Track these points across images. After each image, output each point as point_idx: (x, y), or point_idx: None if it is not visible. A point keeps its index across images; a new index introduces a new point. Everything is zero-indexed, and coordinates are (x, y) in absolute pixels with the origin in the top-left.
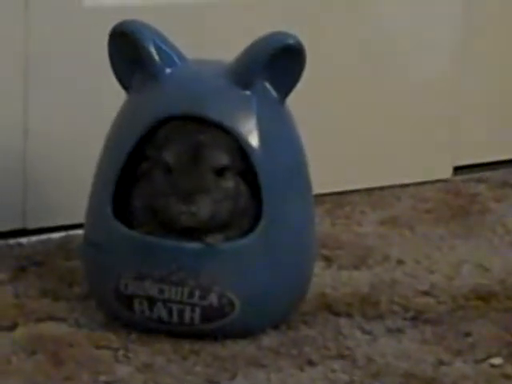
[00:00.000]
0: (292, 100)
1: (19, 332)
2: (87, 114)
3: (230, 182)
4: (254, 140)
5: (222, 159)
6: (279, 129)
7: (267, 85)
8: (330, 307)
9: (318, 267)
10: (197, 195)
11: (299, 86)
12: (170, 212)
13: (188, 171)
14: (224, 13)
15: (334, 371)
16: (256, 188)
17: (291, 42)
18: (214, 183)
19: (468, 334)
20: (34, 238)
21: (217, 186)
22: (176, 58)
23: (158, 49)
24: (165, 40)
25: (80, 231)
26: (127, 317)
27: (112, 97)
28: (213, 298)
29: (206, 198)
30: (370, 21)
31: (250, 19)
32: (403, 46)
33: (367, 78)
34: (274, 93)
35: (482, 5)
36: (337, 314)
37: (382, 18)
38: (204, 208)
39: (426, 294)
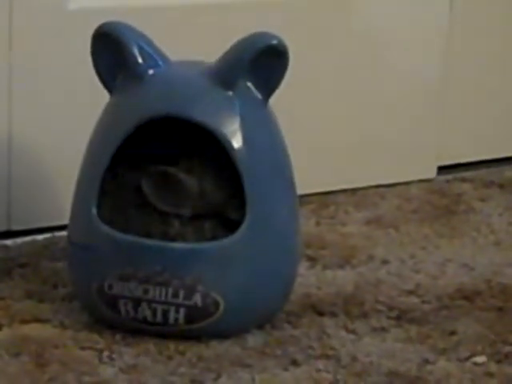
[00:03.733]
0: (276, 100)
1: (3, 333)
2: (72, 115)
3: (220, 176)
4: (236, 141)
5: (212, 157)
6: (262, 129)
7: (250, 85)
8: (314, 307)
9: (303, 267)
10: (190, 195)
11: (283, 86)
12: (159, 213)
13: (180, 171)
14: (209, 14)
15: (318, 371)
16: (239, 188)
17: (274, 42)
18: (206, 181)
19: (452, 333)
20: (18, 240)
21: (208, 182)
22: (159, 60)
23: (141, 50)
24: (148, 41)
25: (65, 233)
26: (112, 318)
27: (96, 98)
28: (197, 298)
29: (194, 196)
30: (357, 22)
31: (236, 20)
32: (389, 48)
33: (352, 79)
34: (257, 93)
35: (468, 7)
36: (321, 314)
37: (368, 19)
38: (200, 206)
39: (410, 293)
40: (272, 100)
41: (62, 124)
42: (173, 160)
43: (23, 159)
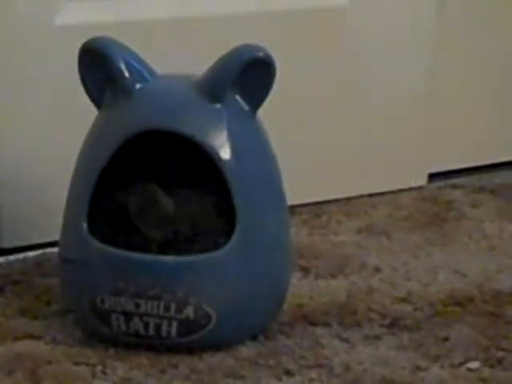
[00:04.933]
0: (265, 111)
1: None
2: (61, 131)
3: (209, 189)
4: (225, 153)
5: (201, 170)
6: (251, 141)
7: (238, 98)
8: (307, 317)
9: (296, 277)
10: (180, 207)
11: (272, 97)
12: (152, 226)
13: (169, 184)
14: (196, 27)
15: (311, 380)
16: (229, 200)
17: (260, 54)
18: (195, 194)
19: (445, 339)
20: (10, 258)
21: (197, 195)
22: (146, 74)
23: (128, 65)
24: (135, 56)
25: (56, 249)
26: (104, 332)
27: (85, 114)
28: (189, 311)
29: (190, 209)
30: (345, 33)
31: (224, 33)
32: (378, 58)
33: (341, 89)
34: (244, 105)
35: (455, 16)
36: (314, 324)
37: (356, 31)
38: (190, 219)
39: (403, 300)
40: (261, 111)
41: (51, 140)
42: (161, 174)
43: (12, 176)
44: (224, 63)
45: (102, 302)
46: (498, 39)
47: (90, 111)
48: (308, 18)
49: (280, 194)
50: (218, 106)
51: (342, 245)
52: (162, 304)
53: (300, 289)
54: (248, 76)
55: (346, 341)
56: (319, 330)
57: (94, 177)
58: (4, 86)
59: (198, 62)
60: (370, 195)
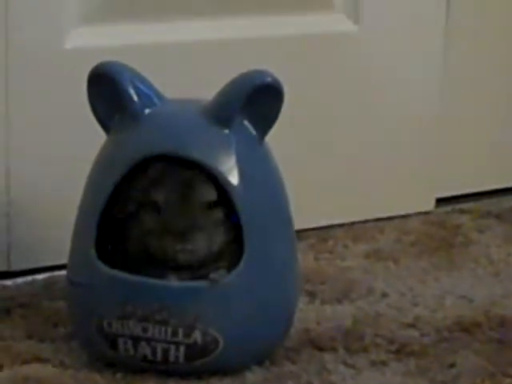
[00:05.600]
0: (273, 136)
1: (4, 374)
2: (70, 155)
3: (218, 215)
4: (233, 178)
5: (209, 193)
6: (259, 166)
7: (246, 123)
8: (313, 342)
9: (302, 302)
10: (190, 231)
11: (280, 122)
12: (165, 251)
13: (178, 209)
14: (205, 52)
15: None
16: (237, 225)
17: (269, 80)
18: (203, 217)
19: (452, 366)
20: (18, 280)
21: (207, 220)
22: (155, 98)
23: (137, 89)
24: (143, 80)
25: (64, 272)
26: (112, 356)
27: (94, 138)
28: (197, 336)
29: (197, 231)
30: (354, 59)
31: (232, 58)
32: (387, 84)
33: (348, 114)
34: (252, 131)
35: (464, 42)
36: (321, 349)
37: (365, 56)
38: (199, 243)
39: (409, 326)
40: (268, 136)
41: (60, 163)
42: (168, 199)
43: (22, 199)
44: (232, 88)
45: (110, 325)
46: (506, 66)
47: (100, 135)
48: (317, 43)
49: (288, 219)
50: (227, 131)
51: (348, 269)
52: (169, 329)
53: (306, 314)
54: (256, 101)
55: (353, 366)
56: (326, 356)
57: (101, 201)
58: (14, 110)
59: (206, 87)
60: (377, 219)
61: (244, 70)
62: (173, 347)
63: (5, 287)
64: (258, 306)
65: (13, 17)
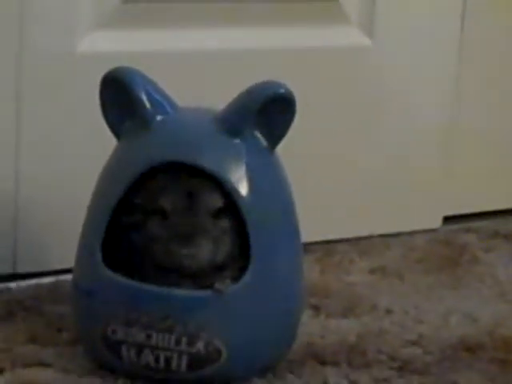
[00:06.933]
0: (282, 148)
1: (6, 377)
2: (79, 160)
3: (226, 224)
4: (242, 188)
5: (217, 202)
6: (268, 177)
7: (257, 133)
8: (316, 356)
9: (306, 315)
10: (196, 237)
11: (290, 133)
12: (171, 257)
13: (185, 216)
14: (218, 60)
15: None
16: (244, 236)
17: (282, 91)
18: (211, 225)
19: None
20: (23, 283)
21: (214, 228)
22: (167, 106)
23: (149, 96)
24: (156, 87)
25: (70, 276)
26: (115, 363)
27: (104, 143)
28: (200, 346)
29: (205, 240)
30: (367, 73)
31: (246, 69)
32: (398, 98)
33: (357, 129)
34: (263, 141)
35: (478, 55)
36: (324, 363)
37: (378, 70)
38: (204, 250)
39: (413, 343)
40: (279, 148)
41: (70, 167)
42: (177, 207)
43: (29, 202)
44: (245, 99)
45: (114, 332)
46: None
47: (111, 141)
48: (331, 56)
49: (295, 231)
50: (237, 140)
51: (353, 285)
52: (173, 337)
53: (310, 327)
54: (269, 112)
55: (355, 382)
56: (328, 370)
57: (109, 208)
58: (25, 114)
59: (219, 96)
60: (384, 236)
61: (256, 81)
62: (175, 356)
63: (9, 290)
64: (263, 318)
65: (27, 20)
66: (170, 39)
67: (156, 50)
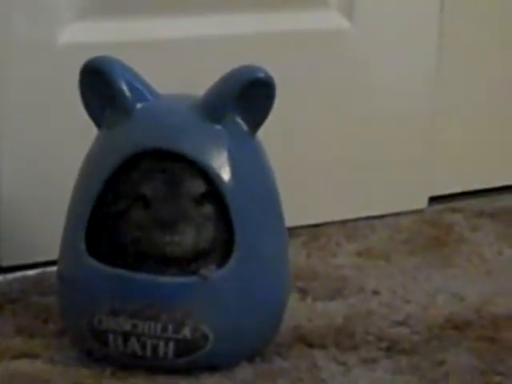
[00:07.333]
0: (264, 132)
1: None
2: (61, 150)
3: (209, 209)
4: (224, 173)
5: (199, 188)
6: (250, 162)
7: (238, 118)
8: (304, 339)
9: (293, 299)
10: (179, 224)
11: (271, 118)
12: (153, 244)
13: (167, 202)
14: (197, 48)
15: None
16: (228, 221)
17: (261, 75)
18: (194, 211)
19: (442, 363)
20: (9, 276)
21: (197, 214)
22: (147, 94)
23: (129, 84)
24: (136, 76)
25: (55, 268)
26: (102, 352)
27: (86, 133)
28: (186, 332)
29: (188, 226)
30: (346, 56)
31: (224, 54)
32: (379, 80)
33: (341, 111)
34: (244, 126)
35: (456, 40)
36: (311, 346)
37: (357, 53)
38: (187, 236)
39: (401, 324)
40: (260, 132)
41: (51, 158)
42: (159, 194)
43: (12, 195)
44: (224, 84)
45: (100, 322)
46: (501, 64)
47: (92, 130)
48: (310, 40)
49: (279, 215)
50: (218, 126)
51: (340, 267)
52: (159, 324)
53: (297, 311)
54: (248, 97)
55: (343, 364)
56: (316, 353)
57: (92, 196)
58: (5, 105)
59: (200, 83)
60: (370, 218)
61: (237, 66)
62: (162, 343)
63: None
64: (249, 303)
65: (4, 12)
66: (150, 28)
67: (135, 39)
